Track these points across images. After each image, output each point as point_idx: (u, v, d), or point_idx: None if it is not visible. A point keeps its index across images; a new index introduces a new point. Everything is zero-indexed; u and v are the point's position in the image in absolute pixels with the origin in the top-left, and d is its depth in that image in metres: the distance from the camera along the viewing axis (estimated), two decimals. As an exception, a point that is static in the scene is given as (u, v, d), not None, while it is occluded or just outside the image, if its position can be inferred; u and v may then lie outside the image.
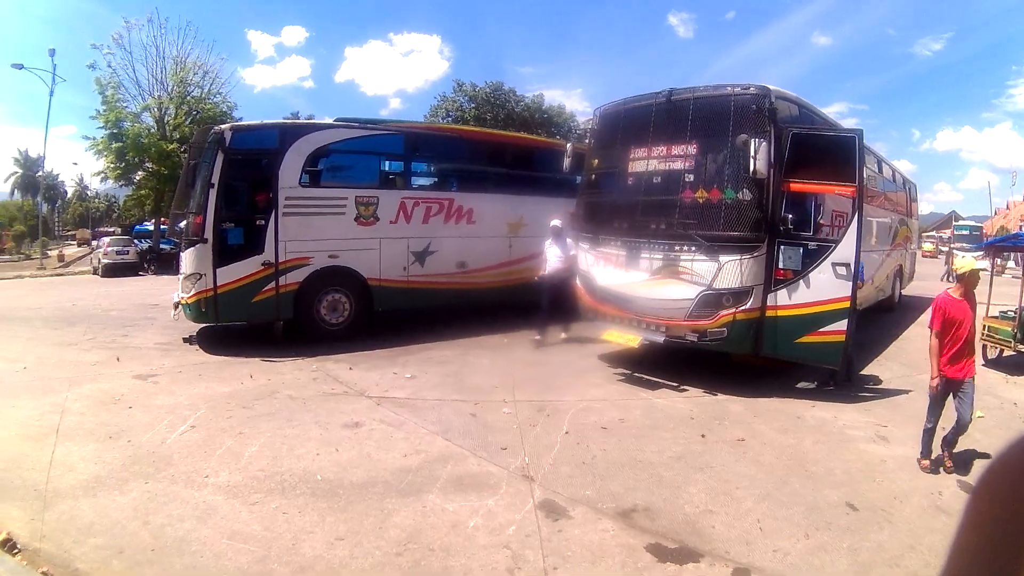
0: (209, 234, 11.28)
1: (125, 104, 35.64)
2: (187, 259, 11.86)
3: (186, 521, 5.19)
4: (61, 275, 34.36)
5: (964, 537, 0.96)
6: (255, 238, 11.67)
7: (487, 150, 15.95)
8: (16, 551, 4.74)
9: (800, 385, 9.46)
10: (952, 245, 49.19)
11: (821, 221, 9.32)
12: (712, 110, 9.18)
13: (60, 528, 5.07)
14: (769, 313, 8.86)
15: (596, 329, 10.93)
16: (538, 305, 12.49)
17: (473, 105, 53.46)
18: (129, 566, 4.57)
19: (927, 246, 52.59)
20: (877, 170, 13.80)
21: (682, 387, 9.19)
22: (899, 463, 6.53)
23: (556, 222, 12.29)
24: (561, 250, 12.13)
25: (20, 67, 37.88)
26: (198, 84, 38.41)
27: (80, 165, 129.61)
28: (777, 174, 8.67)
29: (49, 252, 48.24)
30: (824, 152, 8.81)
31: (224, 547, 4.79)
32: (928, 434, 6.52)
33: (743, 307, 8.74)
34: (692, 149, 9.39)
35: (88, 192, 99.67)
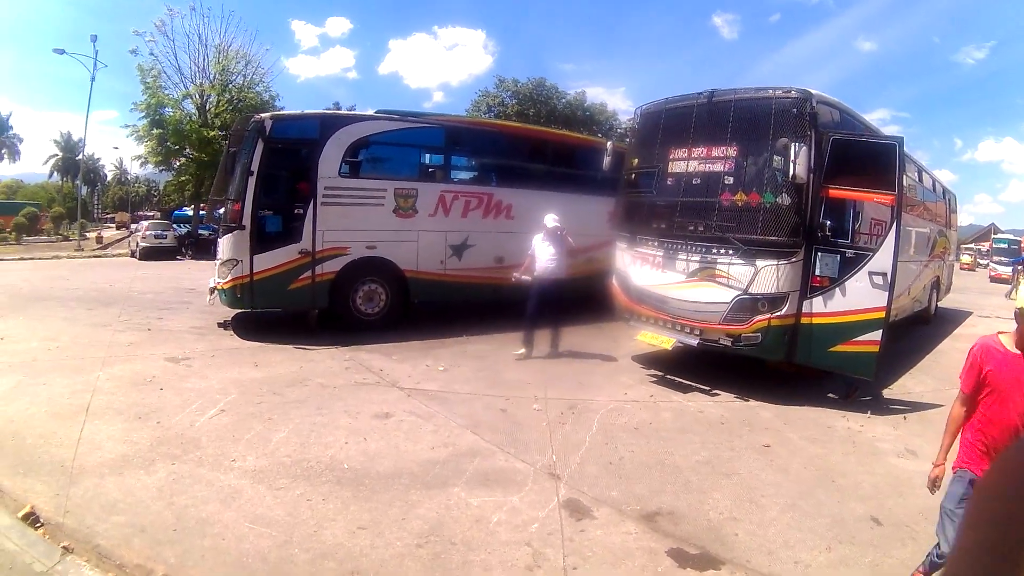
0: (247, 221, 11.38)
1: (167, 91, 36.11)
2: (224, 245, 11.99)
3: (210, 503, 5.25)
4: (98, 257, 34.86)
5: (965, 537, 0.99)
6: (293, 226, 11.76)
7: (528, 146, 15.92)
8: (39, 525, 4.83)
9: (831, 394, 9.34)
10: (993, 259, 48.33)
11: (859, 229, 9.20)
12: (753, 112, 9.10)
13: (84, 504, 5.15)
14: (804, 320, 8.77)
15: (613, 337, 10.90)
16: (574, 301, 12.34)
17: (515, 101, 53.41)
18: (150, 544, 4.62)
19: (965, 258, 51.65)
20: (917, 179, 13.59)
21: (714, 391, 9.12)
22: (926, 479, 6.41)
23: (551, 218, 11.06)
24: (556, 249, 10.88)
25: (62, 52, 38.71)
26: (240, 73, 38.88)
27: (120, 150, 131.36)
28: (816, 179, 8.56)
29: (87, 234, 48.96)
30: (864, 159, 8.72)
31: (246, 530, 4.83)
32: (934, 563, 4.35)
33: (778, 313, 8.67)
34: (732, 151, 9.29)
35: (128, 176, 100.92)
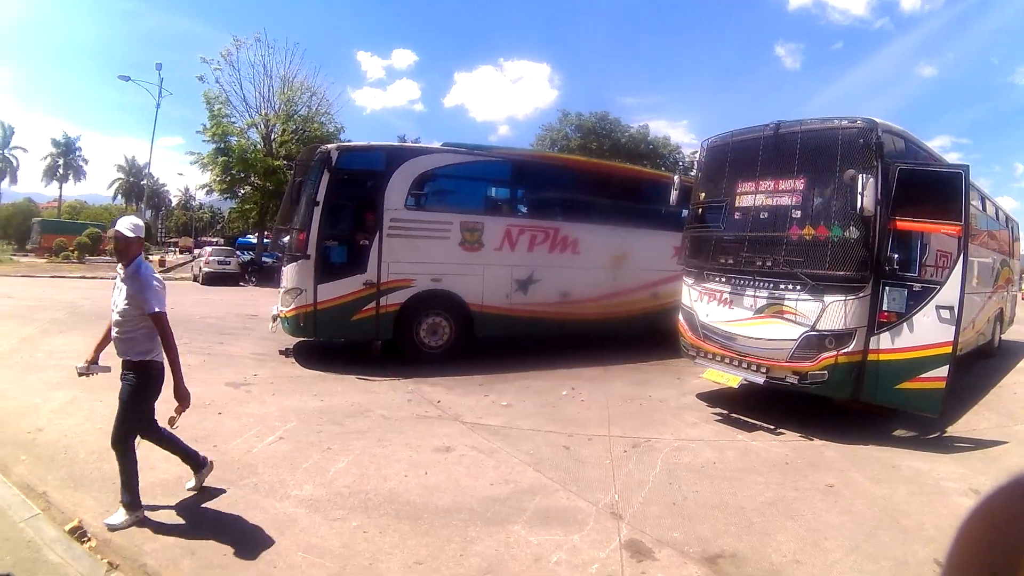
0: (312, 250, 11.51)
1: (232, 120, 36.86)
2: (289, 274, 12.15)
3: (264, 530, 5.26)
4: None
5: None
6: (358, 257, 11.84)
7: (594, 180, 15.75)
8: (86, 540, 4.89)
9: (897, 433, 9.10)
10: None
11: (925, 261, 8.99)
12: (819, 143, 8.96)
13: (131, 524, 5.19)
14: (871, 357, 8.55)
15: (678, 374, 10.76)
16: (638, 337, 12.24)
17: (578, 135, 53.47)
18: (199, 567, 4.66)
19: (1028, 288, 50.02)
20: (980, 207, 13.25)
21: (778, 430, 8.92)
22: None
23: (129, 225, 5.57)
24: (130, 300, 5.47)
25: (127, 79, 40.07)
26: (306, 104, 39.44)
27: (185, 176, 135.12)
28: (883, 211, 8.37)
29: (150, 257, 49.97)
30: (929, 188, 8.51)
31: (299, 560, 4.82)
32: None
33: (845, 350, 8.48)
34: (799, 183, 9.16)
35: (192, 202, 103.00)
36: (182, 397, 5.53)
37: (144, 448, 6.70)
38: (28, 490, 5.69)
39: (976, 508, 0.94)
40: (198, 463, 6.01)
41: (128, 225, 5.53)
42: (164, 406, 5.69)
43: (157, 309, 5.42)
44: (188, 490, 5.93)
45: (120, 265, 5.60)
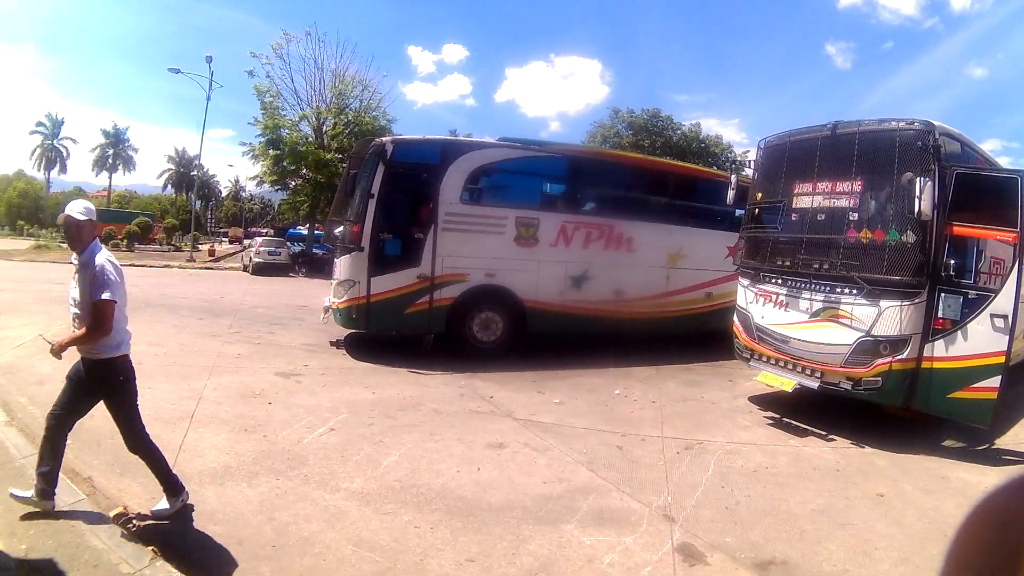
0: (366, 243, 11.58)
1: (283, 112, 37.02)
2: (342, 266, 12.24)
3: (313, 522, 5.30)
4: (210, 269, 35.90)
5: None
6: (412, 251, 11.90)
7: (649, 178, 15.66)
8: (130, 526, 4.91)
9: (946, 443, 8.94)
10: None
11: (980, 268, 8.79)
12: (876, 145, 8.82)
13: (179, 511, 5.23)
14: (924, 365, 8.42)
15: (731, 376, 10.69)
16: (691, 337, 12.42)
17: (630, 132, 53.01)
18: (246, 558, 4.69)
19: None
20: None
21: (829, 436, 8.80)
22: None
23: (79, 208, 5.20)
24: (88, 278, 5.07)
25: (177, 71, 40.78)
26: (357, 97, 39.47)
27: (236, 167, 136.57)
28: (940, 215, 8.24)
29: (200, 246, 50.64)
30: (984, 193, 8.36)
31: (349, 553, 4.85)
32: None
33: (900, 356, 8.36)
34: (856, 185, 9.03)
35: (242, 193, 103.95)
36: (54, 349, 4.90)
37: (193, 435, 6.84)
38: (73, 475, 5.72)
39: (976, 508, 0.94)
40: (50, 484, 4.99)
41: (79, 208, 5.11)
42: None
43: (102, 297, 4.91)
44: (17, 499, 4.96)
45: (74, 255, 5.18)
